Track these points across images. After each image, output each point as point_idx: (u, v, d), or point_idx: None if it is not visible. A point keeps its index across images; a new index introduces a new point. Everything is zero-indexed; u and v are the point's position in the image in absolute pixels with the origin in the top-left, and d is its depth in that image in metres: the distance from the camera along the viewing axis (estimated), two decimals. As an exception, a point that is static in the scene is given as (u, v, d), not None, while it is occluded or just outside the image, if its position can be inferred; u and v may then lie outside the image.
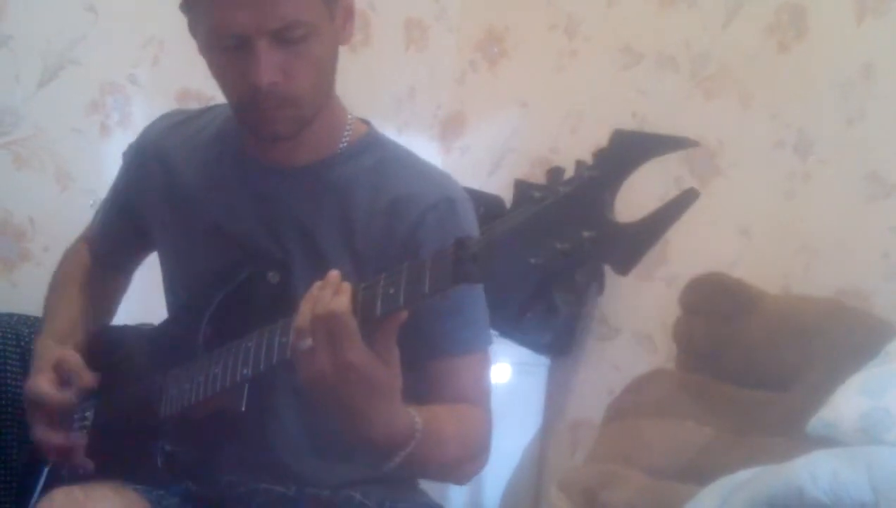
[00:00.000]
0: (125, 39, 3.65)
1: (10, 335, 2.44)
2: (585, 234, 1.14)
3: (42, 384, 1.92)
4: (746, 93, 3.81)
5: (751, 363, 3.40)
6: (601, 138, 1.04)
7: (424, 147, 4.55)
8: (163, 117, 2.14)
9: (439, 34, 4.71)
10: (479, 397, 1.83)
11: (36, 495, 2.07)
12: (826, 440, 2.80)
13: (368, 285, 1.42)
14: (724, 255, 3.64)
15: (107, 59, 3.60)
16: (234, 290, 1.83)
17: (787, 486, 2.40)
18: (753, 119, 3.79)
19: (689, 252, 3.72)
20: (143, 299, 2.31)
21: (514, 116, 4.60)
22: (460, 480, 1.81)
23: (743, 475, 2.64)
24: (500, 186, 4.40)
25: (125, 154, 2.15)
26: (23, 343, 2.44)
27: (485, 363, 1.86)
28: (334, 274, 1.47)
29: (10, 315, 2.61)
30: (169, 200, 1.98)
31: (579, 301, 1.11)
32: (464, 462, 1.75)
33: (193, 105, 2.51)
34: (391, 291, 1.38)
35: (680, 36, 4.01)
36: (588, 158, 1.15)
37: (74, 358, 1.96)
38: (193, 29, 1.76)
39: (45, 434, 1.94)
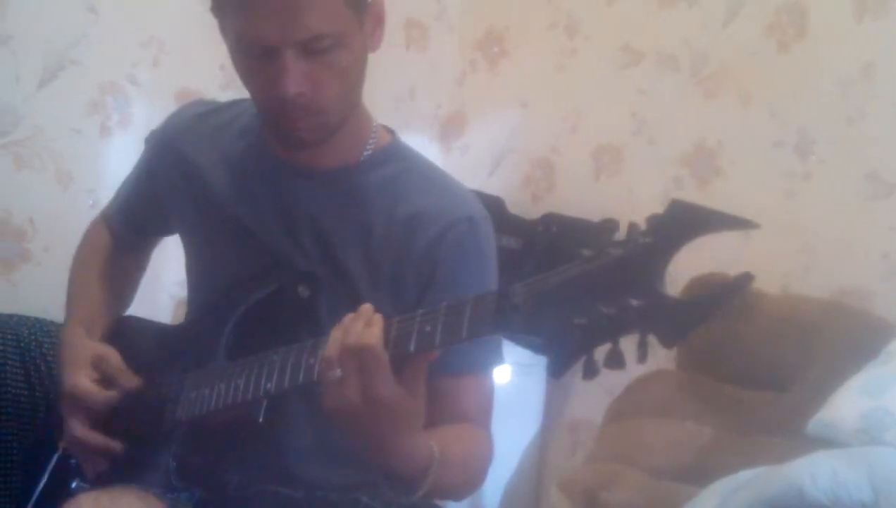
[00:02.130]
0: (125, 39, 3.65)
1: (9, 336, 2.43)
2: (633, 302, 1.14)
3: (85, 382, 1.92)
4: (746, 92, 3.81)
5: (751, 363, 3.39)
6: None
7: (424, 147, 4.53)
8: (187, 106, 2.13)
9: (439, 34, 4.71)
10: (483, 417, 1.83)
11: (40, 486, 2.07)
12: (826, 441, 2.80)
13: (403, 319, 1.42)
14: (724, 255, 3.63)
15: (107, 60, 3.61)
16: (263, 300, 1.82)
17: (788, 486, 2.40)
18: (753, 118, 3.79)
19: (688, 252, 3.71)
20: (141, 301, 2.31)
21: (514, 116, 4.59)
22: (457, 499, 1.80)
23: (743, 475, 2.64)
24: (500, 187, 4.40)
25: (147, 140, 2.12)
26: (23, 344, 2.43)
27: (490, 383, 1.86)
28: (367, 307, 1.47)
29: (10, 316, 2.60)
30: (193, 193, 1.97)
31: (619, 366, 1.11)
32: (467, 486, 1.75)
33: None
34: (427, 328, 1.37)
35: (680, 35, 4.00)
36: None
37: (116, 358, 1.95)
38: (223, 33, 1.74)
39: (84, 434, 1.93)
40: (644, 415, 3.48)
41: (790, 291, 3.59)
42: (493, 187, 4.37)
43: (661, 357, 3.86)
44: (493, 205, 4.18)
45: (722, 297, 1.12)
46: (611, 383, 3.89)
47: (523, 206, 4.31)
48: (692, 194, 3.69)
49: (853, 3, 3.53)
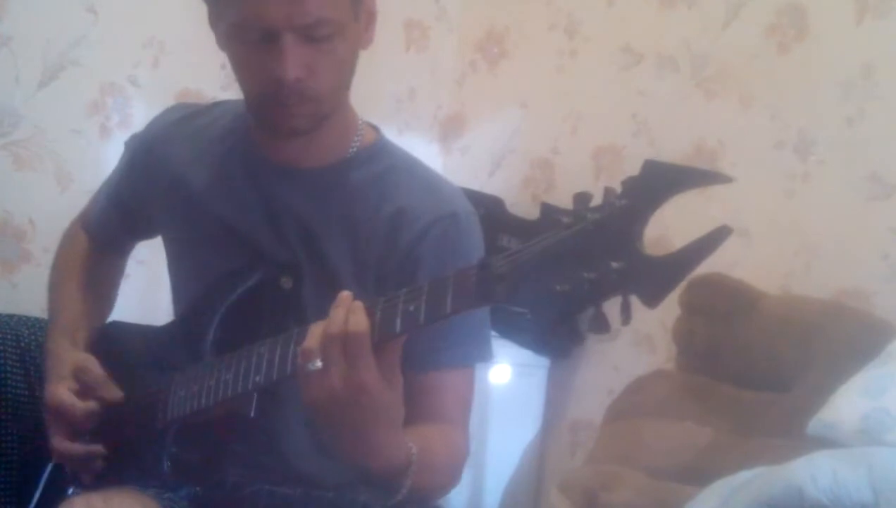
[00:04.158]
0: (125, 40, 3.65)
1: (9, 336, 2.43)
2: (614, 264, 1.13)
3: (63, 394, 1.91)
4: (747, 93, 3.81)
5: (751, 363, 3.39)
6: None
7: (424, 148, 4.55)
8: (169, 111, 2.13)
9: (439, 35, 4.71)
10: (462, 414, 1.81)
11: (39, 491, 2.07)
12: (826, 441, 2.80)
13: (387, 299, 1.40)
14: (724, 255, 3.60)
15: (107, 60, 3.60)
16: (245, 293, 1.81)
17: (788, 487, 2.40)
18: (754, 119, 3.79)
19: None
20: (144, 299, 2.31)
21: (514, 117, 4.59)
22: (432, 500, 1.78)
23: (743, 475, 2.64)
24: (500, 187, 4.40)
25: (128, 143, 2.14)
26: (22, 344, 2.42)
27: (471, 380, 1.84)
28: (346, 294, 1.44)
29: (10, 316, 2.60)
30: (176, 195, 1.97)
31: (604, 329, 1.10)
32: (444, 488, 1.73)
33: (194, 106, 2.51)
34: (411, 308, 1.36)
35: (680, 36, 4.01)
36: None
37: (96, 368, 1.94)
38: (214, 20, 1.75)
39: (66, 446, 1.92)
40: (644, 415, 3.48)
41: (790, 291, 3.60)
42: (493, 188, 4.38)
43: (662, 357, 3.86)
44: (493, 205, 4.18)
45: (700, 253, 1.12)
46: (611, 383, 3.89)
47: (523, 206, 4.31)
48: (692, 195, 3.67)
49: (853, 3, 3.54)
